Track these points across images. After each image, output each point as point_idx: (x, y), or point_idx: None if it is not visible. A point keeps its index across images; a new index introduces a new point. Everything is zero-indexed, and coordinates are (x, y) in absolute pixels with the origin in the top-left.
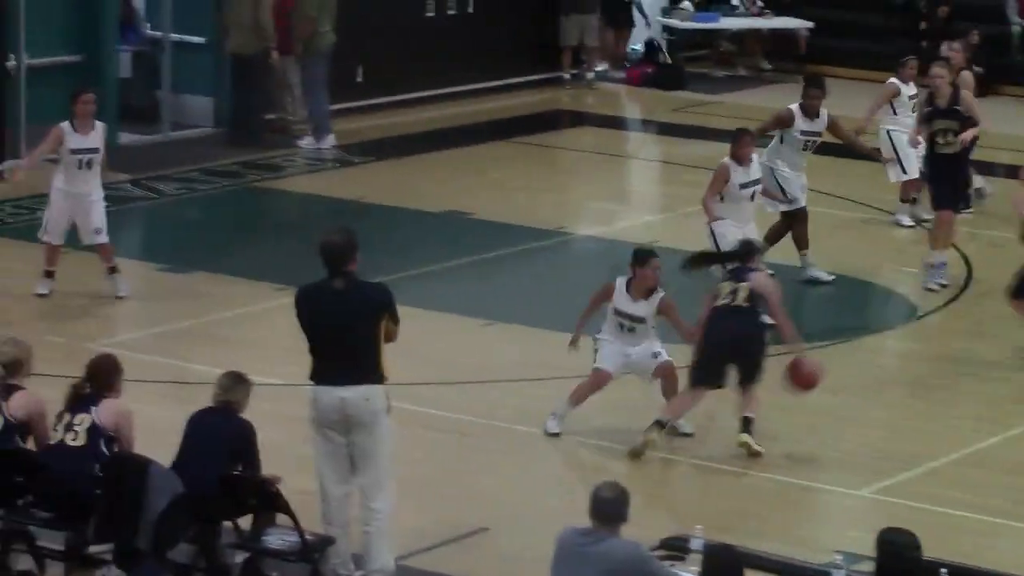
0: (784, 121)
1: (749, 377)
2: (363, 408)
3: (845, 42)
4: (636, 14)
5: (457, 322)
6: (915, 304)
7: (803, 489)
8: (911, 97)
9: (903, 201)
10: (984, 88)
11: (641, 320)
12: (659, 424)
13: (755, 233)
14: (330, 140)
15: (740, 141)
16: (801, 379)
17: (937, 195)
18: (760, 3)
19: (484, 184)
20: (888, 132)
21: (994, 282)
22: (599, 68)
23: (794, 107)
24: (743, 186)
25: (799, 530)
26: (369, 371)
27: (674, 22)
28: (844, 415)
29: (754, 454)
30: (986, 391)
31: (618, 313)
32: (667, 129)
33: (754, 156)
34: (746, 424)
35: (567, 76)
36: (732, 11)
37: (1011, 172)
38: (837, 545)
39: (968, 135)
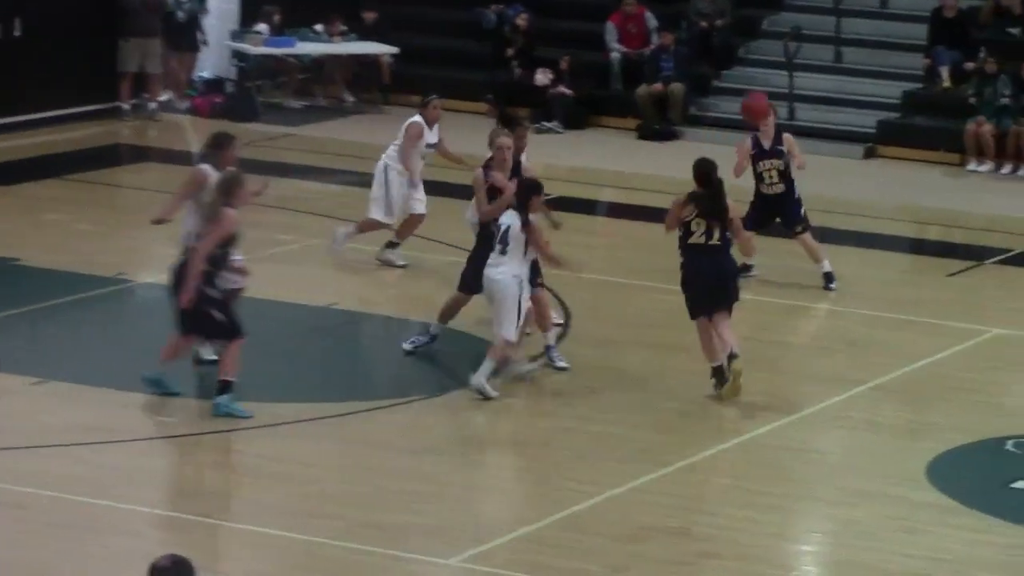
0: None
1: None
2: None
3: (432, 69)
4: (202, 37)
5: (2, 381)
6: None
7: (388, 558)
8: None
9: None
10: (581, 120)
11: None
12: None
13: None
14: None
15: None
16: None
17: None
18: (343, 27)
19: (33, 227)
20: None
21: (593, 333)
22: (163, 98)
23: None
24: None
25: None
26: None
27: (245, 47)
28: (433, 476)
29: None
30: (585, 448)
31: None
32: (238, 165)
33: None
34: None
35: (127, 107)
36: (312, 36)
37: (614, 210)
38: None
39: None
